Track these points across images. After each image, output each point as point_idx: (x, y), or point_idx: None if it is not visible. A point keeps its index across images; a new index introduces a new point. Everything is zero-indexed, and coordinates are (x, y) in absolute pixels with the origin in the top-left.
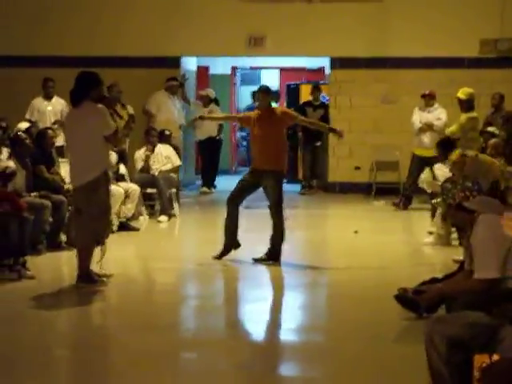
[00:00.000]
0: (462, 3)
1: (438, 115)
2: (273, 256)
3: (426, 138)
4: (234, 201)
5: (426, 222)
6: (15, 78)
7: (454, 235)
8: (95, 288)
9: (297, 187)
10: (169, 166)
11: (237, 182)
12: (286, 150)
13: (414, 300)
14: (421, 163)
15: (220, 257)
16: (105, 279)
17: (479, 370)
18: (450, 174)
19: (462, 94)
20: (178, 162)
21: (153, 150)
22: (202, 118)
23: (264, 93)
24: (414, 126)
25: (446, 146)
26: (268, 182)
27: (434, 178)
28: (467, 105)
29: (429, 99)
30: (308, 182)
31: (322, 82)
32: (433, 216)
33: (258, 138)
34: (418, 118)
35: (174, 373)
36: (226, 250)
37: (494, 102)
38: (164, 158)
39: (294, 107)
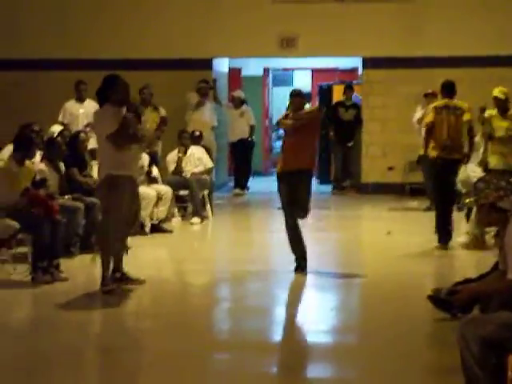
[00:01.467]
0: (496, 3)
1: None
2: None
3: None
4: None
5: (459, 223)
6: (46, 81)
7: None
8: (122, 290)
9: (329, 188)
10: (201, 168)
11: (279, 195)
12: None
13: (447, 300)
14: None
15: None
16: (132, 286)
17: None
18: (482, 174)
19: (500, 93)
20: (209, 163)
21: (185, 152)
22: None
23: (297, 97)
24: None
25: None
26: (303, 180)
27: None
28: (505, 105)
29: (431, 97)
30: (340, 183)
31: (355, 82)
32: (468, 216)
33: (295, 141)
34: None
35: (206, 374)
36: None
37: None
38: (196, 159)
39: (326, 108)
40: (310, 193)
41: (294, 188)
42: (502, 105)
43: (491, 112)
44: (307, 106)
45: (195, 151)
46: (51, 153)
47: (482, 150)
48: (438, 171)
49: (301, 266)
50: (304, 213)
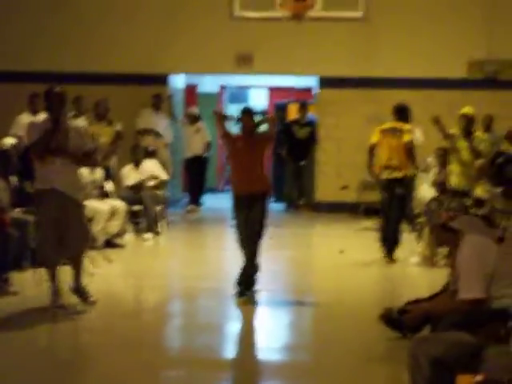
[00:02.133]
0: (449, 24)
1: (416, 133)
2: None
3: None
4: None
5: (411, 243)
6: None
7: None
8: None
9: (282, 206)
10: (155, 181)
11: (235, 225)
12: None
13: (398, 320)
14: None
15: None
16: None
17: None
18: (434, 195)
19: (469, 110)
20: (164, 176)
21: (137, 166)
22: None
23: (246, 115)
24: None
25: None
26: (257, 204)
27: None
28: (470, 125)
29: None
30: (293, 201)
31: (310, 101)
32: (419, 236)
33: (243, 161)
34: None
35: None
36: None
37: (485, 123)
38: (150, 174)
39: (281, 126)
40: (263, 220)
41: (247, 214)
42: (467, 124)
43: (455, 131)
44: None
45: (149, 165)
46: (3, 165)
47: (434, 170)
48: (382, 189)
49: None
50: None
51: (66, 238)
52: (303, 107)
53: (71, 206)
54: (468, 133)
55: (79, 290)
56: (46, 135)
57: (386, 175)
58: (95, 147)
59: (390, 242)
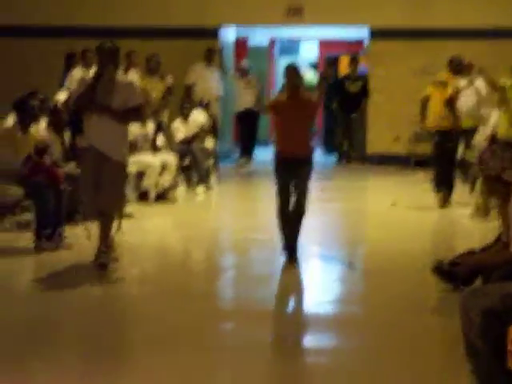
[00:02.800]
0: None
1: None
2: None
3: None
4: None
5: (464, 195)
6: (46, 48)
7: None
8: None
9: (333, 158)
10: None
11: (276, 186)
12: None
13: (450, 272)
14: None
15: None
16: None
17: None
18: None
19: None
20: (203, 120)
21: (186, 119)
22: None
23: (291, 71)
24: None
25: None
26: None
27: None
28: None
29: (468, 69)
30: (345, 154)
31: (361, 52)
32: (472, 188)
33: (288, 123)
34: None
35: (208, 344)
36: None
37: None
38: (199, 125)
39: (333, 81)
40: (307, 188)
41: (289, 176)
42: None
43: (506, 82)
44: (312, 76)
45: (196, 115)
46: (55, 120)
47: (492, 121)
48: (433, 140)
49: (289, 258)
50: (298, 208)
51: (99, 197)
52: (354, 61)
53: (108, 167)
54: None
55: (100, 253)
56: (87, 90)
57: (436, 127)
58: (144, 102)
59: (444, 187)
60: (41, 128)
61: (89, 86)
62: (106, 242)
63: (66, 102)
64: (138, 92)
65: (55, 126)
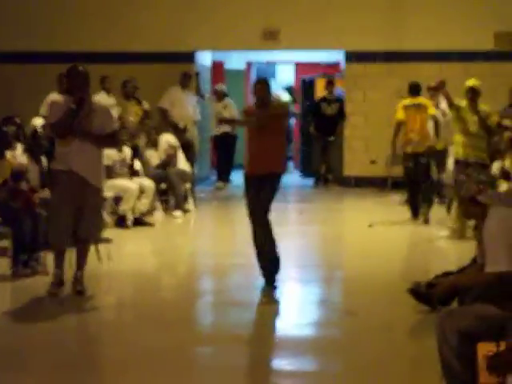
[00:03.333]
0: None
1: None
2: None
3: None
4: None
5: (439, 216)
6: (23, 74)
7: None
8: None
9: (310, 181)
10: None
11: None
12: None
13: (427, 294)
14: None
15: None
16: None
17: (484, 358)
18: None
19: (476, 83)
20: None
21: (155, 145)
22: (224, 120)
23: (260, 84)
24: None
25: None
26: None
27: None
28: (477, 96)
29: (435, 91)
30: (322, 176)
31: (337, 75)
32: (449, 210)
33: (256, 139)
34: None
35: (186, 368)
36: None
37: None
38: (167, 146)
39: (309, 103)
40: (272, 197)
41: (259, 193)
42: (473, 96)
43: (461, 102)
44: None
45: (163, 138)
46: (33, 146)
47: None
48: (406, 161)
49: (266, 280)
50: (262, 213)
51: (78, 223)
52: (330, 83)
53: (88, 192)
54: (474, 106)
55: (77, 281)
56: (68, 115)
57: (410, 149)
58: (119, 128)
59: (416, 202)
60: (18, 153)
61: (69, 111)
62: (82, 269)
63: (44, 127)
64: (114, 118)
65: (33, 152)
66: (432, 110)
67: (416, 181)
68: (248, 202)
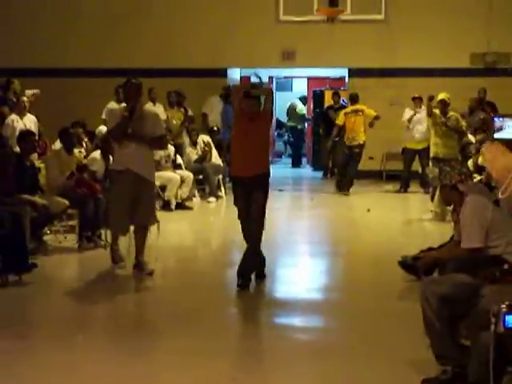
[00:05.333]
0: (455, 23)
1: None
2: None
3: (418, 134)
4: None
5: (424, 203)
6: (92, 86)
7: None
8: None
9: (319, 174)
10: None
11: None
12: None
13: (413, 265)
14: (412, 154)
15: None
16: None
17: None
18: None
19: (446, 97)
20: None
21: (195, 144)
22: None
23: (250, 96)
24: (405, 121)
25: None
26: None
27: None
28: (446, 108)
29: (418, 101)
30: (329, 170)
31: (342, 88)
32: (432, 197)
33: (243, 142)
34: (408, 115)
35: (217, 323)
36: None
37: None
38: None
39: (318, 110)
40: (263, 206)
41: (248, 196)
42: (443, 107)
43: (435, 111)
44: (301, 107)
45: (201, 139)
46: (104, 146)
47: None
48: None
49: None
50: (254, 226)
51: (135, 211)
52: (336, 95)
53: (142, 185)
54: (444, 114)
55: (139, 262)
56: (123, 122)
57: (348, 142)
58: (166, 132)
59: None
60: (95, 153)
61: (124, 118)
62: (143, 254)
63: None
64: (162, 123)
65: (103, 152)
66: (370, 112)
67: (346, 164)
68: (239, 213)
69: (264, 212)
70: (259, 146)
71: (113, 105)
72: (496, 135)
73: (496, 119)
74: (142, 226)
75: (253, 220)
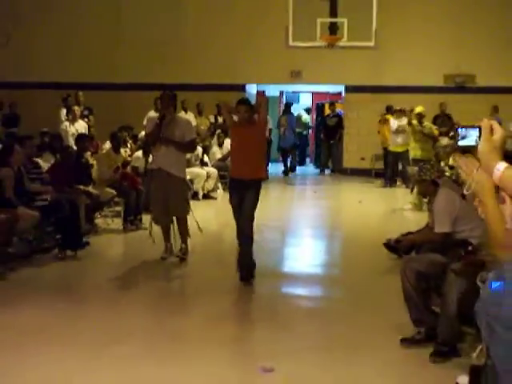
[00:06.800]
0: (431, 49)
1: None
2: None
3: (400, 139)
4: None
5: (405, 195)
6: (133, 99)
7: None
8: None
9: (319, 171)
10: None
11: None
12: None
13: (395, 246)
14: (396, 156)
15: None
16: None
17: None
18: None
19: (422, 110)
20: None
21: (221, 145)
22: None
23: (242, 104)
24: (393, 128)
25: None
26: (250, 191)
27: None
28: (422, 119)
29: (400, 113)
30: (327, 167)
31: (339, 101)
32: (411, 191)
33: (240, 149)
34: (395, 123)
35: (237, 293)
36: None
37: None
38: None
39: (319, 118)
40: (256, 203)
41: (241, 197)
42: (420, 118)
43: (414, 121)
44: (306, 116)
45: (226, 143)
46: (144, 147)
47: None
48: None
49: (243, 277)
50: (245, 226)
51: (169, 205)
52: (332, 105)
53: (173, 182)
54: (421, 123)
55: (181, 248)
56: (155, 128)
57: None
58: (196, 137)
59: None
60: (138, 153)
61: (156, 125)
62: (184, 238)
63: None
64: (192, 129)
65: (144, 152)
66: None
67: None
68: (233, 210)
69: (253, 215)
70: (255, 153)
71: (152, 113)
72: (460, 143)
73: (460, 130)
74: (177, 216)
75: (244, 218)
